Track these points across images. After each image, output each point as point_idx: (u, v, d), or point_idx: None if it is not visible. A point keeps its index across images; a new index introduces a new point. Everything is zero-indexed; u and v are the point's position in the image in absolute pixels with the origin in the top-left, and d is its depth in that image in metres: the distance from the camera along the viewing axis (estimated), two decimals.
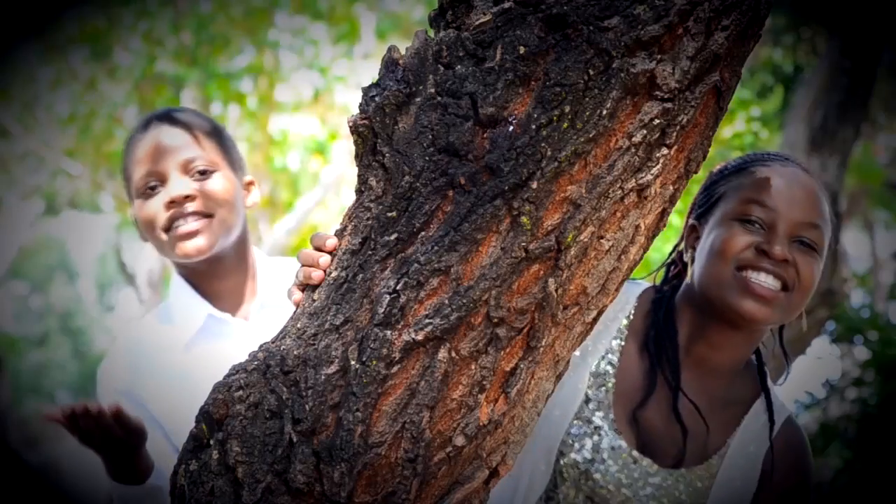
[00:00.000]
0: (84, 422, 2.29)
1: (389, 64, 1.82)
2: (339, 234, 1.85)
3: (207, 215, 2.58)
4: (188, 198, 2.56)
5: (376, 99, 1.81)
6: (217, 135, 2.67)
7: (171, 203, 2.57)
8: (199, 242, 2.57)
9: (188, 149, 2.60)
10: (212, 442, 1.84)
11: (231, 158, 2.66)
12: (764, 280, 2.21)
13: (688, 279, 2.32)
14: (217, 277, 2.63)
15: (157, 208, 2.58)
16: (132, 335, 2.67)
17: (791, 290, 2.22)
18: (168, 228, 2.58)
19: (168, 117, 2.64)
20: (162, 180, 2.59)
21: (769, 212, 2.22)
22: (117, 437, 2.31)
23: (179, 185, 2.57)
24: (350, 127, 1.83)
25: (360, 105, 1.83)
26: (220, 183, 2.60)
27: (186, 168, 2.59)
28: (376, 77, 1.84)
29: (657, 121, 1.76)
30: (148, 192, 2.59)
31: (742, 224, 2.22)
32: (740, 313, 2.21)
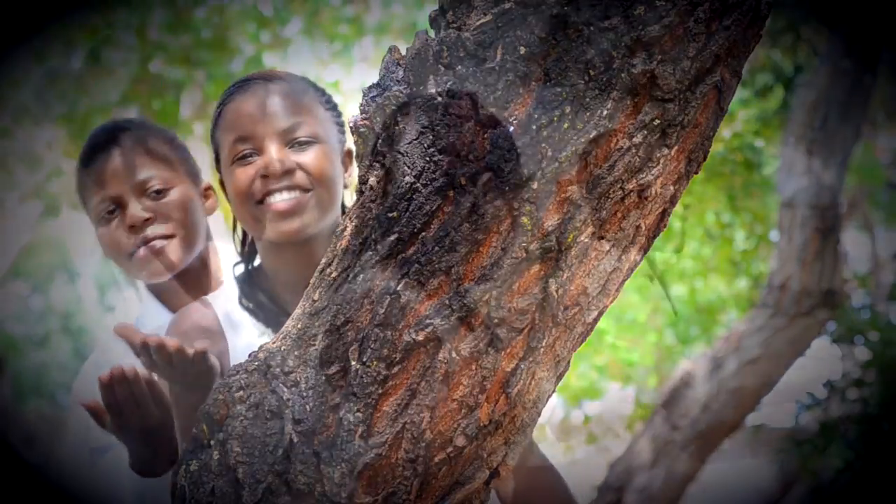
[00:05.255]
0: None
1: (390, 64, 1.82)
2: (339, 234, 1.85)
3: (169, 235, 2.56)
4: (147, 220, 2.55)
5: (377, 99, 1.81)
6: (169, 147, 2.64)
7: (132, 228, 2.55)
8: (166, 262, 2.55)
9: (141, 170, 2.58)
10: (212, 442, 1.84)
11: (186, 169, 2.63)
12: (280, 198, 2.26)
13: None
14: (182, 291, 2.60)
15: (118, 233, 2.57)
16: (104, 352, 2.63)
17: (312, 188, 2.27)
18: (133, 254, 2.56)
19: (116, 140, 2.61)
20: (119, 204, 2.57)
21: (252, 140, 2.27)
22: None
23: (136, 208, 2.55)
24: (350, 127, 1.83)
25: (361, 105, 1.83)
26: (177, 200, 2.58)
27: (142, 189, 2.57)
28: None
29: (657, 121, 1.76)
30: (107, 216, 2.58)
31: (239, 163, 2.28)
32: (280, 238, 2.26)
